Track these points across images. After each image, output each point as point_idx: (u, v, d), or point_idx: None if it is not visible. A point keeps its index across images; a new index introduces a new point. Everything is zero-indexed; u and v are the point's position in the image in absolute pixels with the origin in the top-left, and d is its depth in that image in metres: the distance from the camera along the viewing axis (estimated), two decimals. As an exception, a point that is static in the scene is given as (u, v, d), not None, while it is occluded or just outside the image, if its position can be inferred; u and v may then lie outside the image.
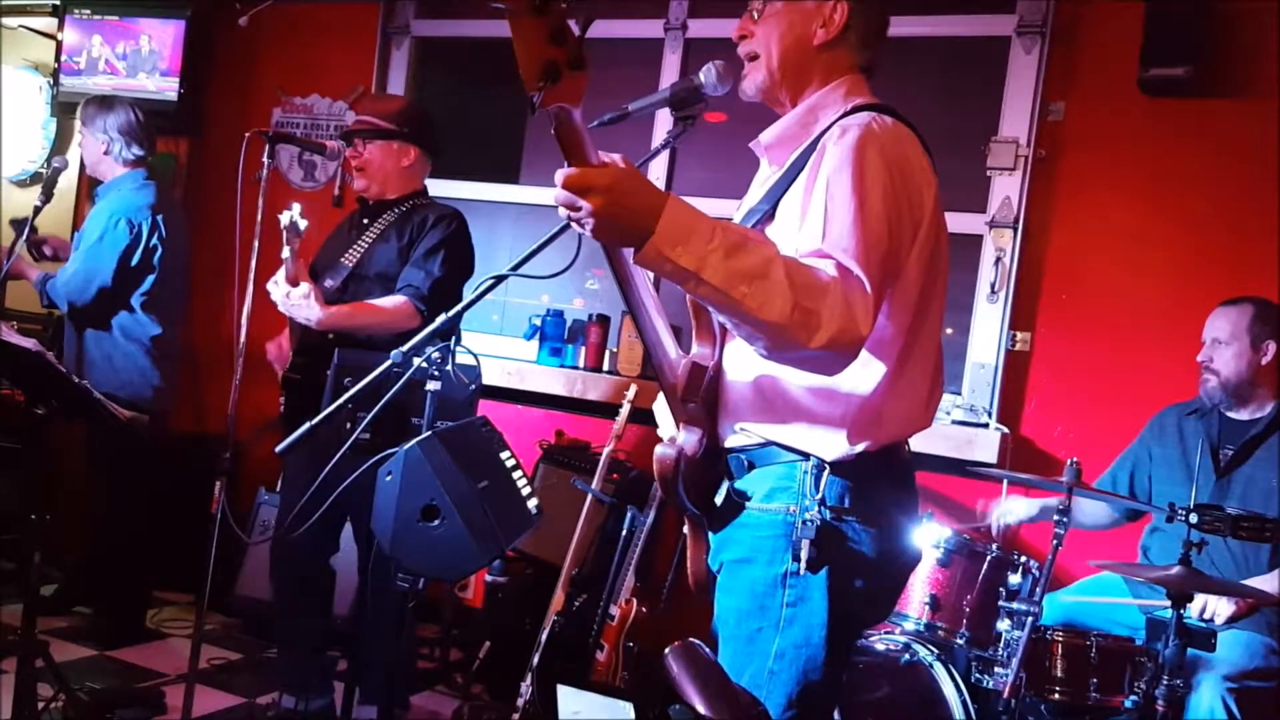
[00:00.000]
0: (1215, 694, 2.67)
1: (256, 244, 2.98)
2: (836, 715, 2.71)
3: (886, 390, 1.59)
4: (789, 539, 1.59)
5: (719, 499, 1.68)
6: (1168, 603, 2.48)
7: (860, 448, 1.59)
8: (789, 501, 1.61)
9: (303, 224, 2.86)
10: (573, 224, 1.39)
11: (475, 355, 2.67)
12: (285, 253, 2.90)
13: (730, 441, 1.69)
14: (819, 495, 1.58)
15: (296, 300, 2.96)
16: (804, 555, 1.56)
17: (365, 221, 3.27)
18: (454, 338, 2.41)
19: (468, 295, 2.09)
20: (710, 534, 1.76)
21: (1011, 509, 3.13)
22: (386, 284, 3.13)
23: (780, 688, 1.60)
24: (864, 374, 1.57)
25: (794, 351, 1.43)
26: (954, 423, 3.61)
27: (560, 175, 1.34)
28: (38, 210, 3.58)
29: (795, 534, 1.58)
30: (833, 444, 1.59)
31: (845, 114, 1.63)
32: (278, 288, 2.98)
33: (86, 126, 3.88)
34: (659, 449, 1.66)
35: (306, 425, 2.12)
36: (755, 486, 1.66)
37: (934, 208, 1.61)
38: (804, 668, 1.60)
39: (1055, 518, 2.79)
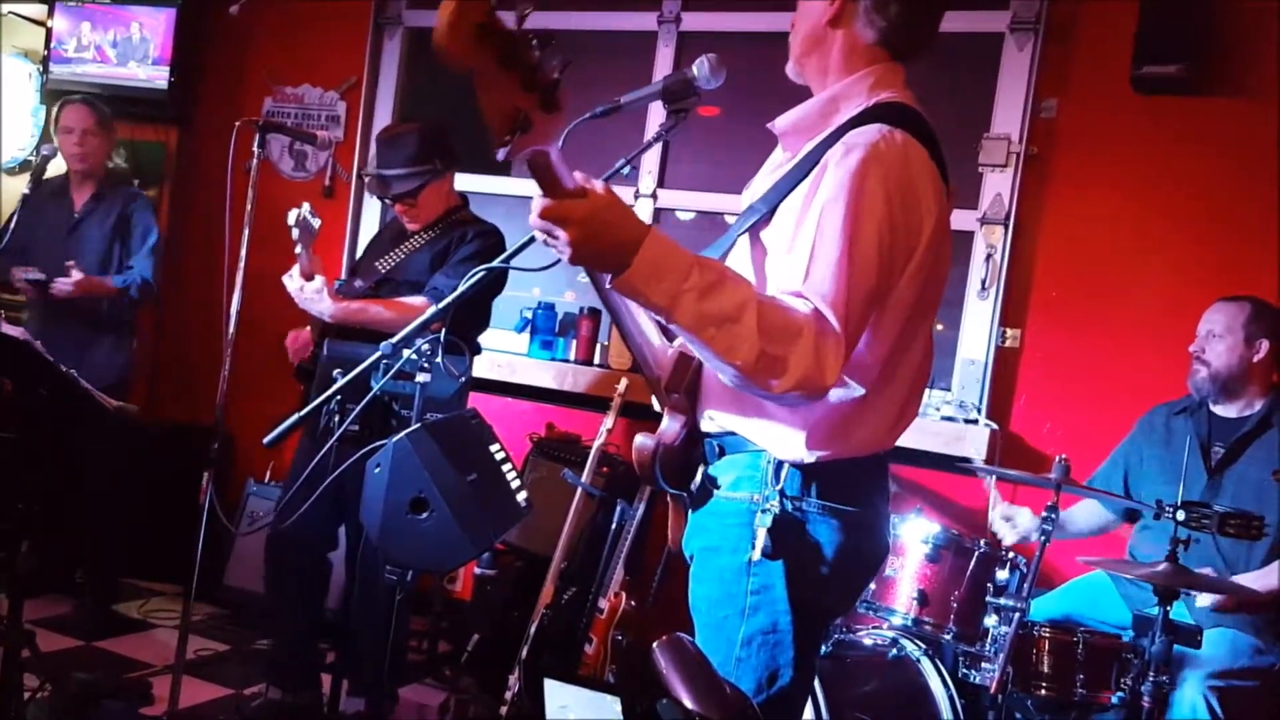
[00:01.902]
0: (1198, 692, 2.68)
1: (246, 234, 2.97)
2: (825, 711, 2.71)
3: (853, 412, 1.59)
4: (752, 527, 1.60)
5: (696, 483, 1.70)
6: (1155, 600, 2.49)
7: (814, 458, 1.59)
8: (753, 490, 1.62)
9: (316, 222, 2.92)
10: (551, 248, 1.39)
11: (466, 347, 2.67)
12: (299, 249, 2.95)
13: (704, 427, 1.70)
14: (779, 485, 1.59)
15: (310, 294, 3.02)
16: (759, 544, 1.58)
17: (406, 231, 3.35)
18: (445, 333, 2.40)
19: (459, 287, 2.09)
20: (689, 515, 1.77)
21: (1019, 521, 3.08)
22: (416, 291, 3.18)
23: (749, 674, 1.61)
24: (833, 394, 1.55)
25: (758, 393, 1.45)
26: (943, 419, 3.62)
27: (536, 204, 1.33)
28: (26, 198, 3.57)
29: (755, 522, 1.60)
30: (790, 449, 1.60)
31: (864, 112, 1.59)
32: (292, 281, 3.03)
33: (105, 127, 4.02)
34: (638, 438, 1.67)
35: (294, 417, 2.12)
36: (723, 474, 1.67)
37: (932, 236, 1.56)
38: (772, 654, 1.61)
39: (1044, 514, 2.79)
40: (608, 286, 1.40)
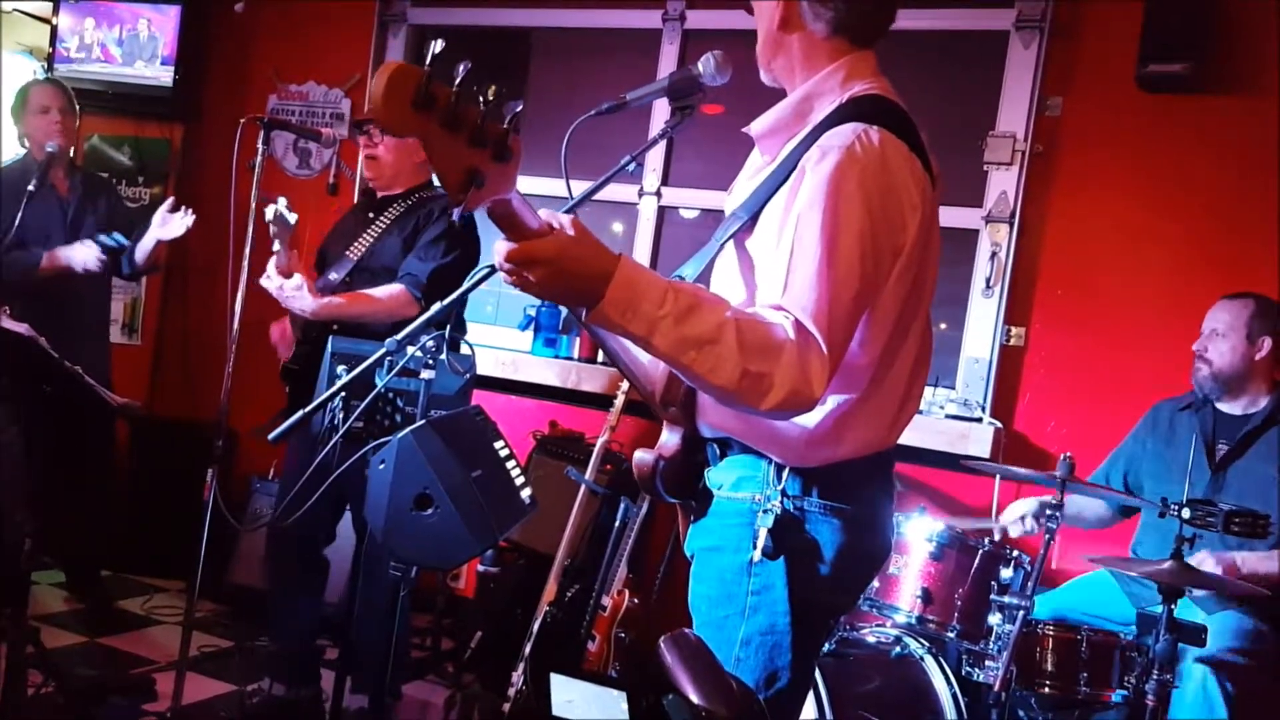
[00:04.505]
0: (1204, 671, 2.68)
1: (251, 231, 2.97)
2: (828, 709, 2.71)
3: (849, 414, 1.57)
4: (754, 527, 1.60)
5: (699, 489, 1.71)
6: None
7: (814, 462, 1.59)
8: (754, 490, 1.61)
9: (291, 217, 2.89)
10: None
11: (470, 345, 2.67)
12: (275, 245, 2.92)
13: (705, 433, 1.69)
14: (780, 485, 1.59)
15: (290, 292, 2.97)
16: (760, 543, 1.57)
17: (371, 215, 3.30)
18: (449, 327, 2.40)
19: (463, 285, 2.09)
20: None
21: (1017, 510, 3.06)
22: (392, 276, 3.16)
23: (747, 675, 1.60)
24: (829, 400, 1.55)
25: (746, 410, 1.43)
26: (948, 417, 3.62)
27: (500, 249, 1.32)
28: (31, 195, 3.56)
29: (756, 522, 1.59)
30: (789, 455, 1.59)
31: (838, 109, 1.57)
32: (271, 281, 2.99)
33: (74, 107, 3.95)
34: (638, 454, 1.67)
35: (299, 413, 2.11)
36: (725, 475, 1.67)
37: (918, 233, 1.52)
38: (770, 655, 1.60)
39: (1047, 513, 2.79)
40: (584, 321, 1.39)
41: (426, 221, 3.20)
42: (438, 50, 1.16)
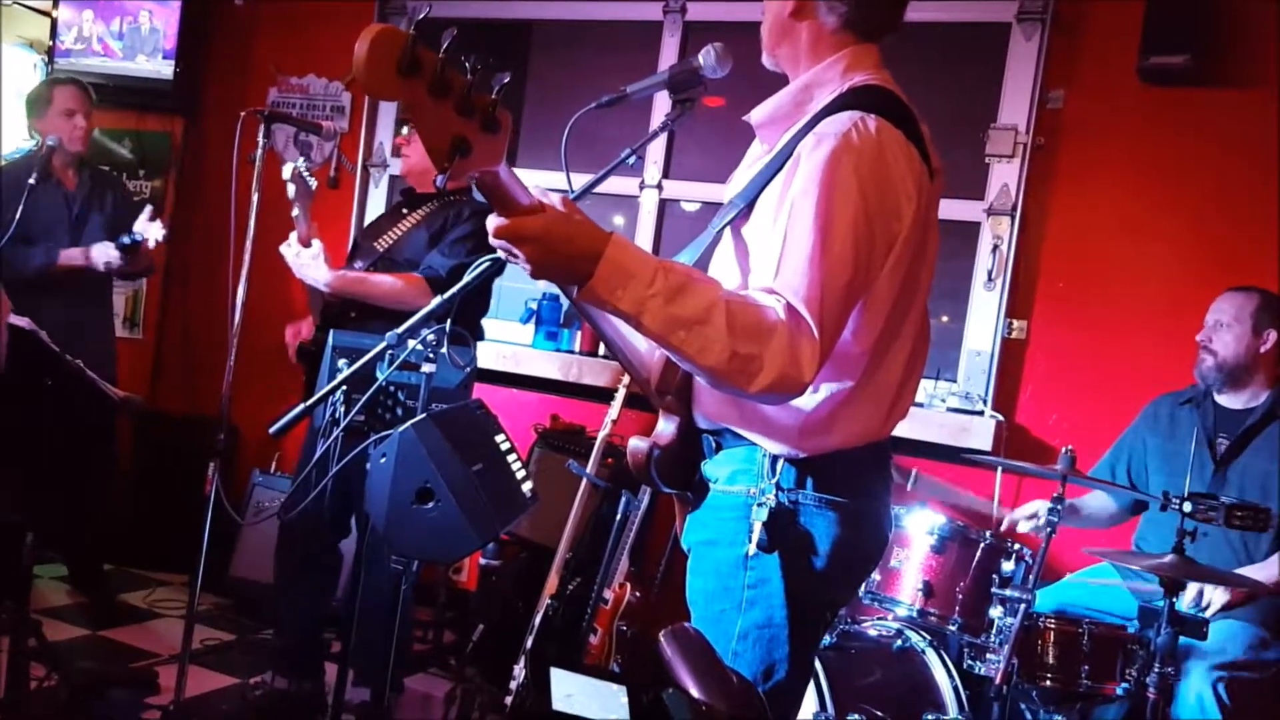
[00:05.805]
0: (1205, 682, 2.68)
1: (252, 224, 2.97)
2: (830, 703, 2.71)
3: (843, 404, 1.57)
4: (749, 521, 1.60)
5: (695, 481, 1.70)
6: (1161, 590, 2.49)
7: (807, 452, 1.59)
8: (749, 484, 1.62)
9: (312, 182, 2.87)
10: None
11: (470, 337, 2.67)
12: (295, 211, 2.92)
13: (700, 424, 1.69)
14: (774, 479, 1.59)
15: (306, 260, 2.99)
16: (754, 537, 1.58)
17: (405, 210, 3.37)
18: (450, 321, 2.40)
19: (464, 278, 2.08)
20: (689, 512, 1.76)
21: (1034, 509, 3.03)
22: (414, 269, 3.19)
23: (744, 669, 1.60)
24: (822, 388, 1.55)
25: (735, 393, 1.43)
26: (949, 410, 3.61)
27: (491, 224, 1.32)
28: (32, 188, 3.56)
29: (750, 516, 1.59)
30: (783, 445, 1.59)
31: (837, 99, 1.57)
32: (290, 248, 3.01)
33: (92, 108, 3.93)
34: (633, 441, 1.67)
35: (300, 407, 2.11)
36: (720, 469, 1.67)
37: (914, 222, 1.52)
38: (767, 648, 1.61)
39: (1049, 505, 2.79)
40: (574, 299, 1.39)
41: (456, 220, 3.24)
42: (422, 18, 1.16)
